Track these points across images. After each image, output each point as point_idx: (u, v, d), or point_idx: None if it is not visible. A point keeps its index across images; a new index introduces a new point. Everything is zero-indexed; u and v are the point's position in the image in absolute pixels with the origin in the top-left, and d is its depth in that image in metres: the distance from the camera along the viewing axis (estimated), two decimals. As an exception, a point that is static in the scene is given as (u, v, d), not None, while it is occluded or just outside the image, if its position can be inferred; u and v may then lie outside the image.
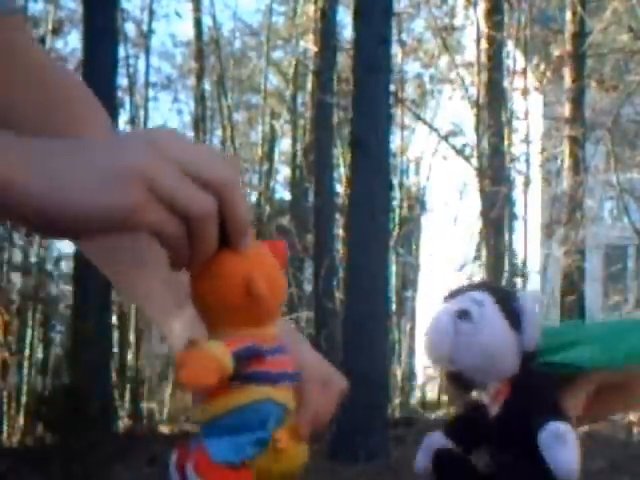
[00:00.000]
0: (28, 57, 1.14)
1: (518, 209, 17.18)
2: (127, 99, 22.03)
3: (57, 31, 20.49)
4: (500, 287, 0.84)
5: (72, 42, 33.29)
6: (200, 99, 22.85)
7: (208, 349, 0.77)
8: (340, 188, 18.32)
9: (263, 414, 0.81)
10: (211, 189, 0.74)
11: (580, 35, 15.52)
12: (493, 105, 15.93)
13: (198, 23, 21.88)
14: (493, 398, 0.93)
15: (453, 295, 0.93)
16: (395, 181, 20.75)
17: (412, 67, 23.20)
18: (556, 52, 16.94)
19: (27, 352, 18.71)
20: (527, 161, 17.23)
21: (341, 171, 18.63)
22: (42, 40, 18.95)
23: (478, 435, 0.97)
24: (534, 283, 17.33)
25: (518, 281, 16.74)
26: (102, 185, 0.72)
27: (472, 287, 0.94)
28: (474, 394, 0.96)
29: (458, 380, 0.93)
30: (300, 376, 0.85)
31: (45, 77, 1.16)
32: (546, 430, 0.90)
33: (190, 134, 24.96)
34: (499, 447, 0.94)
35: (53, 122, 1.13)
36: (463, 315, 0.90)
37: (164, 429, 16.82)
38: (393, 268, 18.69)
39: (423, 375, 22.11)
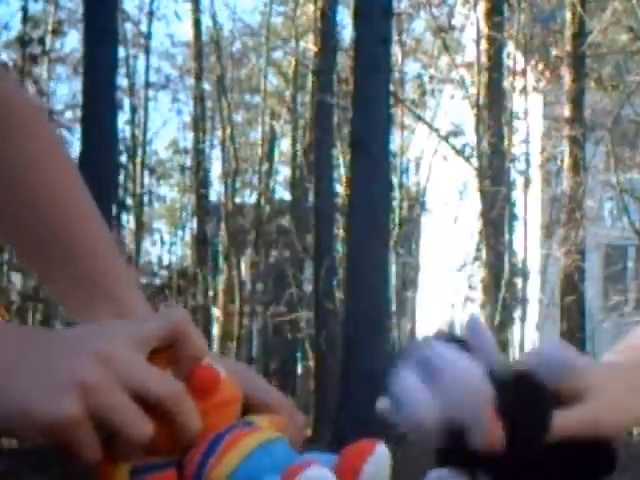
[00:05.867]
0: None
1: (518, 209, 17.18)
2: (127, 99, 22.05)
3: (57, 31, 20.48)
4: None
5: (72, 42, 33.29)
6: (200, 99, 22.85)
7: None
8: (340, 188, 18.32)
9: None
10: (159, 411, 0.75)
11: (580, 35, 15.52)
12: (493, 105, 15.93)
13: (197, 23, 21.88)
14: None
15: None
16: (395, 181, 20.75)
17: (412, 67, 23.22)
18: (556, 52, 16.94)
19: (27, 352, 18.71)
20: (527, 161, 17.24)
21: (341, 171, 18.62)
22: (42, 40, 18.94)
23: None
24: (534, 283, 17.33)
25: (518, 281, 16.75)
26: (41, 389, 0.73)
27: None
28: None
29: None
30: None
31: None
32: None
33: (190, 134, 24.99)
34: None
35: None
36: None
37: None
38: (393, 268, 18.68)
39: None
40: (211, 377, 0.81)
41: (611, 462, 0.94)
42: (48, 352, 0.75)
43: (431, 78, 20.13)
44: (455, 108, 18.14)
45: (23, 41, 18.18)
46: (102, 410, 0.73)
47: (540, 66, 17.89)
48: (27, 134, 1.10)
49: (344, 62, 17.38)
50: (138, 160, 23.04)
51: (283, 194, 26.31)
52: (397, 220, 20.17)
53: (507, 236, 16.37)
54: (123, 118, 21.61)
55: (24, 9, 19.12)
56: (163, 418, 0.76)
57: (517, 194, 17.20)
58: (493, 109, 15.91)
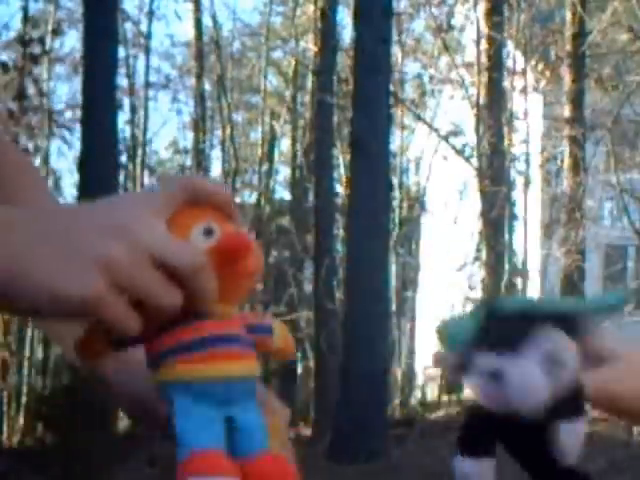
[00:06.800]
0: None
1: (518, 209, 17.18)
2: (127, 99, 22.04)
3: (57, 31, 20.48)
4: None
5: (72, 42, 33.29)
6: (200, 99, 22.84)
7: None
8: (340, 188, 18.32)
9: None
10: (177, 277, 0.74)
11: (580, 35, 15.52)
12: (493, 105, 15.93)
13: (198, 23, 21.87)
14: None
15: None
16: (395, 181, 20.74)
17: (412, 67, 23.21)
18: (556, 52, 16.94)
19: (27, 352, 18.69)
20: (527, 161, 17.23)
21: (341, 171, 18.62)
22: (42, 40, 18.93)
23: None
24: (534, 283, 17.33)
25: (518, 281, 16.74)
26: (65, 270, 0.72)
27: None
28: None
29: None
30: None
31: None
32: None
33: (190, 134, 24.99)
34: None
35: None
36: None
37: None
38: (393, 268, 18.67)
39: (423, 375, 22.10)
40: (243, 244, 0.79)
41: None
42: (67, 231, 0.74)
43: (431, 78, 20.13)
44: (455, 108, 18.14)
45: (23, 41, 18.17)
46: (128, 282, 0.72)
47: (540, 66, 17.87)
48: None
49: (344, 62, 17.38)
50: (138, 160, 23.04)
51: (283, 194, 26.32)
52: (397, 220, 20.17)
53: (507, 236, 16.37)
54: (123, 118, 21.60)
55: (24, 9, 19.13)
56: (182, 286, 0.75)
57: (517, 194, 17.20)
58: (493, 109, 15.91)
